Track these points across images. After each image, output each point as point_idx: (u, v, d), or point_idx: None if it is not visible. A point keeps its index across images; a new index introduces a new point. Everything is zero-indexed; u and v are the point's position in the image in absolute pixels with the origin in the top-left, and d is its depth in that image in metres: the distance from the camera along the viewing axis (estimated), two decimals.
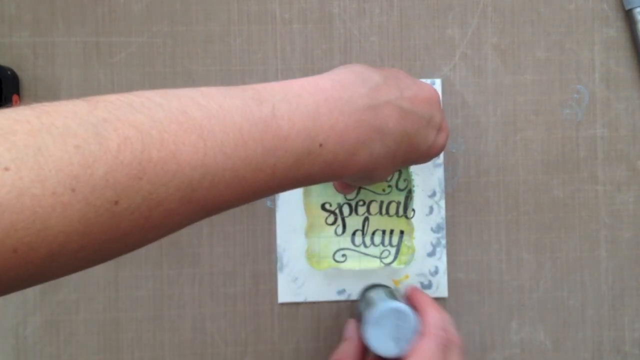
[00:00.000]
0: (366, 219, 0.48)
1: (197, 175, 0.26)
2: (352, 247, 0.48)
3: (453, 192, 0.49)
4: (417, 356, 0.36)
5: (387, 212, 0.49)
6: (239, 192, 0.29)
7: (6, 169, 0.21)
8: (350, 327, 0.41)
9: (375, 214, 0.48)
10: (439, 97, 0.39)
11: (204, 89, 0.29)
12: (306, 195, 0.48)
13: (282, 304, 0.49)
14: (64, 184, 0.22)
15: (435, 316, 0.38)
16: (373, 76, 0.35)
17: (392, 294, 0.43)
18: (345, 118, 0.32)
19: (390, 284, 0.48)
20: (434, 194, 0.49)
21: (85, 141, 0.23)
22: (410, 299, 0.42)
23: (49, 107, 0.24)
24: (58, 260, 0.23)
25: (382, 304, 0.39)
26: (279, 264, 0.48)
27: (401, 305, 0.39)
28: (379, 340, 0.39)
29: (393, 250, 0.48)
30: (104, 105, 0.25)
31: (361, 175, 0.35)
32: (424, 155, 0.39)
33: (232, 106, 0.28)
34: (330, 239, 0.48)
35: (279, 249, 0.48)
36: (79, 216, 0.23)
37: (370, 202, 0.48)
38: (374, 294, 0.43)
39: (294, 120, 0.30)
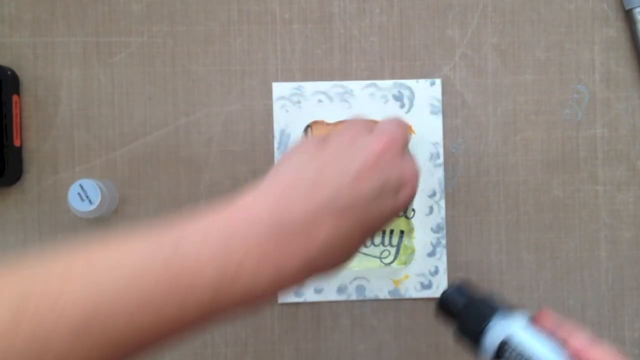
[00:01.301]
0: None
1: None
2: None
3: (453, 192, 0.49)
4: None
5: None
6: (139, 340, 0.27)
7: None
8: None
9: None
10: (396, 142, 0.33)
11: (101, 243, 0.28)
12: None
13: (282, 304, 0.48)
14: None
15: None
16: (307, 173, 0.31)
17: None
18: (263, 243, 0.29)
19: (390, 283, 0.48)
20: (434, 194, 0.49)
21: None
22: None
23: None
24: None
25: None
26: None
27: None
28: None
29: (393, 250, 0.48)
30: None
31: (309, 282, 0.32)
32: (388, 219, 0.34)
33: (128, 251, 0.28)
34: None
35: None
36: None
37: None
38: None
39: (201, 253, 0.28)
